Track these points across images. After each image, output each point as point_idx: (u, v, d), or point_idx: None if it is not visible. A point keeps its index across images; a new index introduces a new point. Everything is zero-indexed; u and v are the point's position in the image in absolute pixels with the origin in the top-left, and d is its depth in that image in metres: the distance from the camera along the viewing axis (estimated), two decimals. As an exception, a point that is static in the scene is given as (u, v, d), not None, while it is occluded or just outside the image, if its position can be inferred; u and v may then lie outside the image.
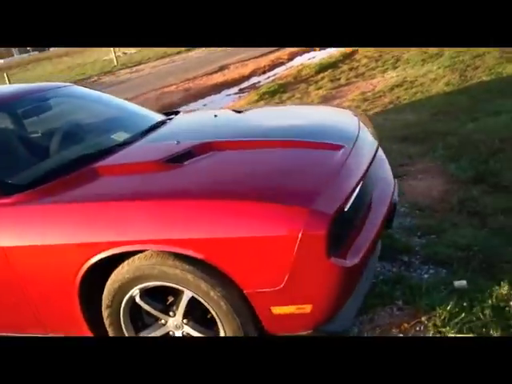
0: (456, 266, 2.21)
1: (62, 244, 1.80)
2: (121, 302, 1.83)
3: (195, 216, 1.60)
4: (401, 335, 1.93)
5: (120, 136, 2.44)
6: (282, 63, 10.97)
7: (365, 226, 1.77)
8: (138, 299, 1.81)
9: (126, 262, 1.77)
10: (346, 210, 1.69)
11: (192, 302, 1.73)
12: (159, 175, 1.91)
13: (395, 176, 3.35)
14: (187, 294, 1.71)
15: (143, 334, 1.90)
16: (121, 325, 1.89)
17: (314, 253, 1.48)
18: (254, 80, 9.70)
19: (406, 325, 1.93)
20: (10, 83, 15.80)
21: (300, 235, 1.47)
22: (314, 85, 7.49)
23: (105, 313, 1.88)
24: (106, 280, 1.83)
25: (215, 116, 2.64)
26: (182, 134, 2.37)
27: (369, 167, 1.86)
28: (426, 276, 2.23)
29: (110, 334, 1.92)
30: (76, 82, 16.33)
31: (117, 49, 20.96)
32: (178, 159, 1.94)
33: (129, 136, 2.39)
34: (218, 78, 10.59)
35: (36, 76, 22.17)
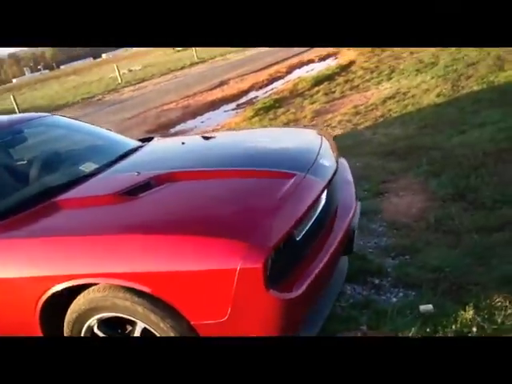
0: (425, 289, 2.17)
1: (21, 277, 1.83)
2: (80, 331, 1.84)
3: (140, 250, 1.60)
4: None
5: (88, 167, 2.45)
6: (281, 77, 11.02)
7: (318, 254, 1.74)
8: (95, 329, 1.82)
9: (82, 294, 1.78)
10: (297, 239, 1.68)
11: (145, 332, 1.72)
12: (114, 208, 1.91)
13: (377, 193, 3.37)
14: (140, 325, 1.71)
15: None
16: (81, 355, 1.88)
17: (253, 286, 1.47)
18: (252, 95, 9.75)
19: (367, 352, 1.89)
20: (16, 104, 16.11)
21: (238, 269, 1.45)
22: (308, 99, 7.51)
23: None
24: (67, 310, 1.85)
25: (183, 143, 2.66)
26: (146, 164, 2.38)
27: (321, 194, 1.84)
28: (394, 300, 2.19)
29: (72, 364, 1.91)
30: (80, 101, 16.59)
31: (121, 66, 21.27)
32: (135, 191, 1.95)
33: (96, 167, 2.41)
34: (218, 93, 10.68)
35: (42, 95, 22.55)
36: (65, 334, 1.88)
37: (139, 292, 1.62)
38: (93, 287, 1.75)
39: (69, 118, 3.34)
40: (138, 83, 18.13)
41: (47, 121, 3.03)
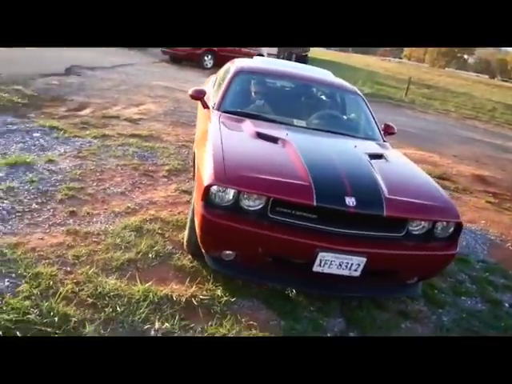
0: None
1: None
2: None
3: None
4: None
5: (297, 122, 3.61)
6: None
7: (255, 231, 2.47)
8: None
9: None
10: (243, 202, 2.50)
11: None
12: (248, 138, 3.04)
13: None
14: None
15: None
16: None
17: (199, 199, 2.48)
18: None
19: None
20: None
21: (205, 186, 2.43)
22: None
23: None
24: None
25: (355, 146, 3.33)
26: (308, 138, 3.29)
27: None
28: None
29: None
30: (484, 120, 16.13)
31: None
32: (265, 137, 3.03)
33: (300, 124, 3.60)
34: None
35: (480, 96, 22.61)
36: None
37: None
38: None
39: (365, 101, 4.15)
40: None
41: (351, 96, 4.25)
